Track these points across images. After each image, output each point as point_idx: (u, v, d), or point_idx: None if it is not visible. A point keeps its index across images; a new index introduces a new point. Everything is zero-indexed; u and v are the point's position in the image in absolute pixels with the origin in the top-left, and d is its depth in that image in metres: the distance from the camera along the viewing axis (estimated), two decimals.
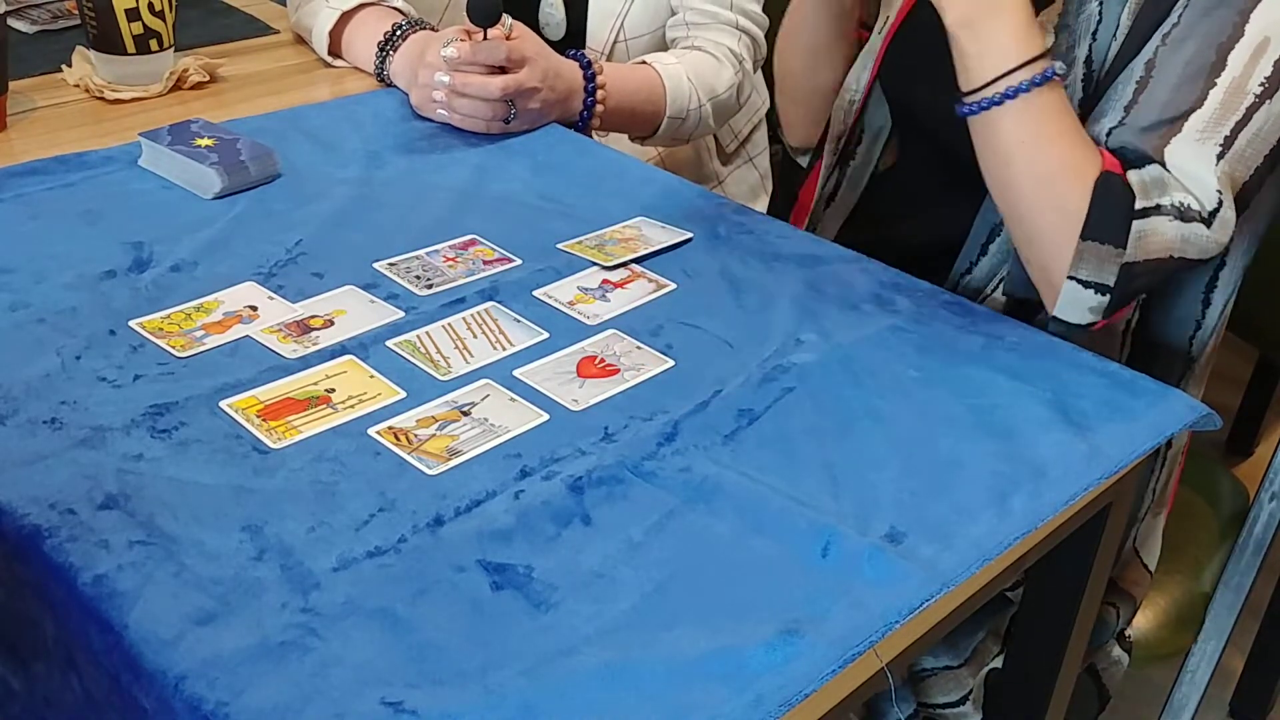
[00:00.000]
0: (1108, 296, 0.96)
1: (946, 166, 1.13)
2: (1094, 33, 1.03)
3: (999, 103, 0.95)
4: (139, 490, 0.75)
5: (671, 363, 0.92)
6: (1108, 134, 1.00)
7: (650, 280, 1.04)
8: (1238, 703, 1.72)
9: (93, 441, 0.79)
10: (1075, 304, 0.98)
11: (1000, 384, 0.92)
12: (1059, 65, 0.95)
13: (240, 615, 0.67)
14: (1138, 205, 0.95)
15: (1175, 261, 0.97)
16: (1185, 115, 0.97)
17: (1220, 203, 0.96)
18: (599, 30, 1.50)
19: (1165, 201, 0.95)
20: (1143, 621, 1.29)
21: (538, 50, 1.27)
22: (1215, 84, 0.96)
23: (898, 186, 1.26)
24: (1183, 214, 0.96)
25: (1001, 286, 1.10)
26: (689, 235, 1.11)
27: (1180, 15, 0.99)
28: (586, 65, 1.33)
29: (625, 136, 1.48)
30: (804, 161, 1.38)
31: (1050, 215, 0.97)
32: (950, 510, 0.79)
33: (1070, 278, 0.97)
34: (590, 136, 1.35)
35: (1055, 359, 0.95)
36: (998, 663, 1.15)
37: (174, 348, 0.90)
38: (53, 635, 0.72)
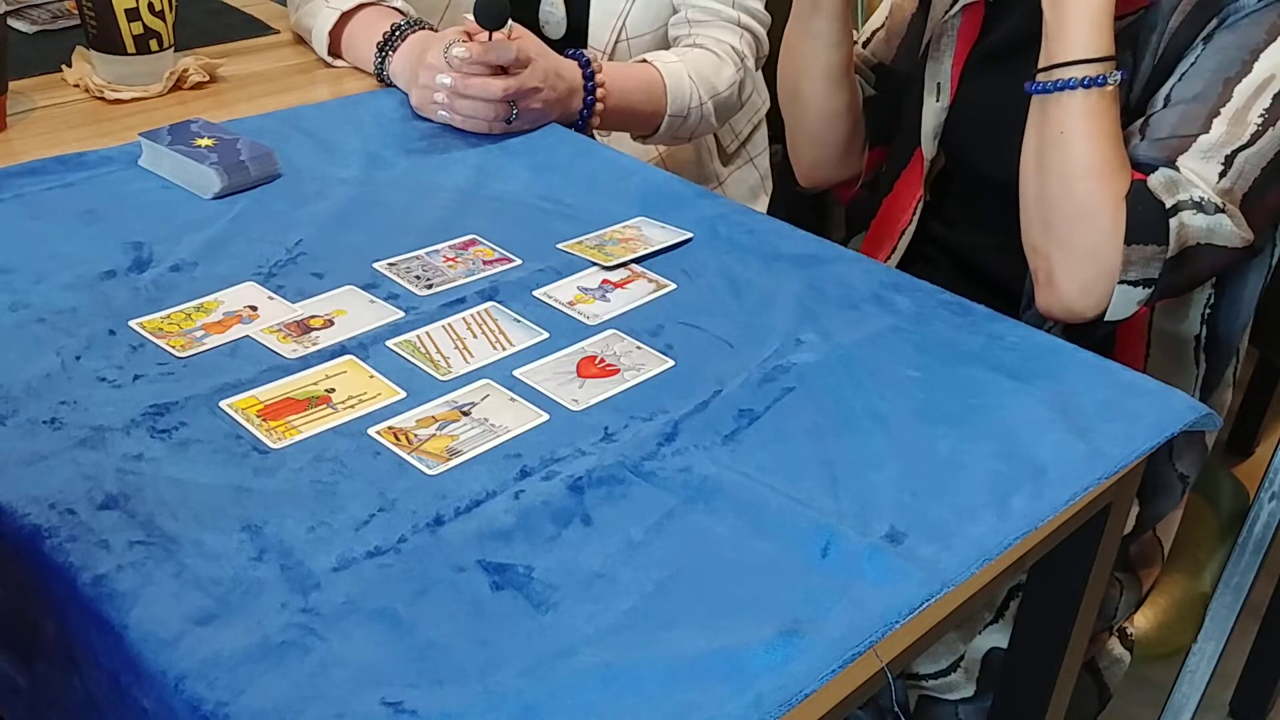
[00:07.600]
0: (1152, 289, 1.04)
1: (1001, 212, 1.20)
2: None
3: (1061, 89, 1.03)
4: (139, 490, 0.75)
5: (671, 363, 0.92)
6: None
7: (650, 280, 1.04)
8: (1238, 703, 1.72)
9: (93, 441, 0.79)
10: (1125, 304, 1.05)
11: (1000, 384, 0.92)
12: (1121, 74, 1.03)
13: (240, 615, 0.67)
14: (1167, 204, 1.02)
15: (1204, 249, 1.04)
16: (1194, 137, 1.05)
17: (1224, 206, 1.04)
18: (601, 30, 1.50)
19: (1184, 197, 1.03)
20: (1143, 621, 1.29)
21: (538, 50, 1.27)
22: (1219, 113, 1.05)
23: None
24: (1201, 206, 1.03)
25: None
26: (689, 235, 1.11)
27: (1196, 56, 1.07)
28: (585, 64, 1.33)
29: (626, 136, 1.48)
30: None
31: (1084, 213, 1.03)
32: (950, 510, 0.79)
33: (1121, 282, 1.03)
34: (591, 136, 1.35)
35: (1055, 359, 0.96)
36: (994, 636, 1.15)
37: (174, 348, 0.90)
38: (53, 635, 0.72)
